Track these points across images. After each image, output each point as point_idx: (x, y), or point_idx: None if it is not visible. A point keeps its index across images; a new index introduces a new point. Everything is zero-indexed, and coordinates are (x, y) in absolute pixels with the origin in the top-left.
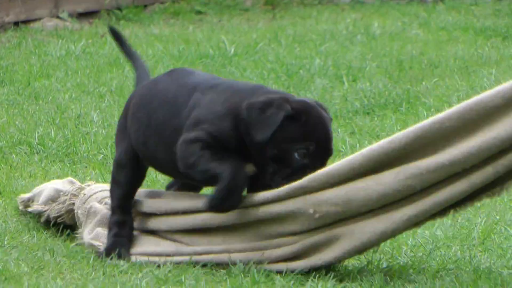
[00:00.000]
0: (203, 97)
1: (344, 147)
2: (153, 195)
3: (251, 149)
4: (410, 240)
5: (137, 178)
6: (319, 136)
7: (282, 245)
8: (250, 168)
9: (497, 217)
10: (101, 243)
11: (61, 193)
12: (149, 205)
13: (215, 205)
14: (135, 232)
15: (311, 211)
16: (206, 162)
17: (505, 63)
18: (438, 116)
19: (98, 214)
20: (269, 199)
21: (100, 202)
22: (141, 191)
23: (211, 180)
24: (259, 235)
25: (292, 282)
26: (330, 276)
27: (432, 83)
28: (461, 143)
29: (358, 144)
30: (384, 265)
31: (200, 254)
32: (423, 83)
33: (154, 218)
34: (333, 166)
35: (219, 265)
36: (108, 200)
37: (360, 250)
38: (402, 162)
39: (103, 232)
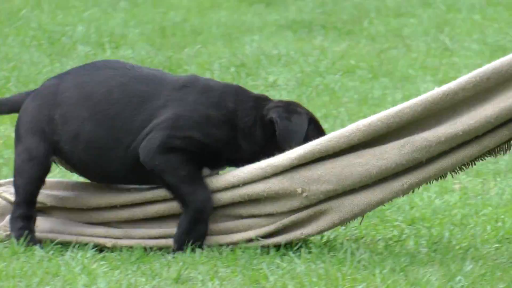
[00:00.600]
0: (181, 96)
1: None
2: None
3: (263, 153)
4: None
5: (46, 172)
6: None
7: (254, 226)
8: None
9: None
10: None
11: None
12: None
13: (183, 240)
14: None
15: (299, 190)
16: (183, 180)
17: (267, 30)
18: (449, 87)
19: None
20: (254, 177)
21: None
22: (56, 182)
23: (178, 198)
24: (226, 216)
25: (51, 252)
26: (89, 246)
27: (194, 50)
28: (475, 111)
29: None
30: None
31: (155, 237)
32: (186, 50)
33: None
34: (326, 141)
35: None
36: (3, 191)
37: (348, 221)
38: (406, 134)
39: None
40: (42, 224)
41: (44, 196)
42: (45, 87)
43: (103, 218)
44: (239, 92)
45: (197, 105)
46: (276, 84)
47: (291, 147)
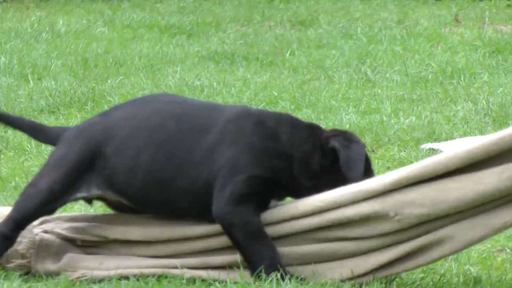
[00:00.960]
0: (237, 129)
1: (29, 146)
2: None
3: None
4: None
5: (51, 211)
6: None
7: (340, 251)
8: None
9: None
10: (86, 270)
11: None
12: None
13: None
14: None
15: (391, 214)
16: (251, 237)
17: (189, 61)
18: None
19: (52, 245)
20: (343, 201)
21: (42, 231)
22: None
23: (243, 255)
24: (311, 240)
25: None
26: (16, 275)
27: (117, 81)
28: None
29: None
30: None
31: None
32: (109, 81)
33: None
34: (422, 167)
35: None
36: (54, 228)
37: (446, 257)
38: (505, 162)
39: (79, 256)
40: (106, 261)
41: (104, 229)
42: (90, 125)
43: (173, 251)
44: (292, 122)
45: (254, 138)
46: None
47: (353, 175)
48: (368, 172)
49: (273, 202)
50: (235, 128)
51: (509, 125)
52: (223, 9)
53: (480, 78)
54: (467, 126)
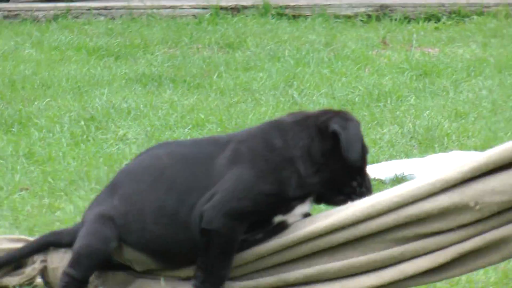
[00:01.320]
0: (234, 148)
1: None
2: None
3: (330, 175)
4: None
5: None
6: None
7: (421, 250)
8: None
9: None
10: None
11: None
12: None
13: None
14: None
15: (471, 204)
16: (223, 253)
17: (117, 83)
18: None
19: (118, 275)
20: (421, 194)
21: None
22: None
23: (201, 264)
24: (388, 242)
25: None
26: None
27: (44, 104)
28: None
29: None
30: None
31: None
32: (36, 103)
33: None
34: (500, 152)
35: None
36: None
37: None
38: None
39: (151, 281)
40: (179, 286)
41: (174, 271)
42: (99, 197)
43: (248, 271)
44: (277, 125)
45: (253, 155)
46: (126, 138)
47: (352, 158)
48: (363, 149)
49: (278, 217)
50: (229, 151)
51: (435, 148)
52: (151, 31)
53: (407, 101)
54: (393, 149)
